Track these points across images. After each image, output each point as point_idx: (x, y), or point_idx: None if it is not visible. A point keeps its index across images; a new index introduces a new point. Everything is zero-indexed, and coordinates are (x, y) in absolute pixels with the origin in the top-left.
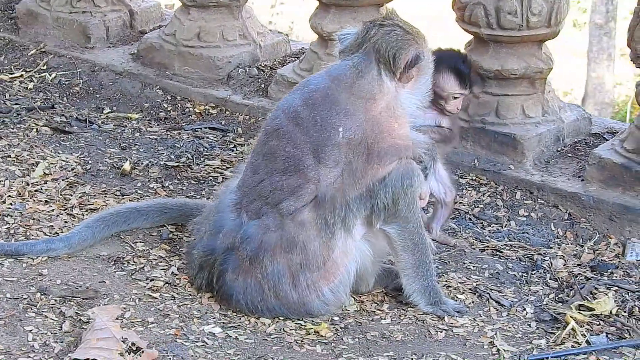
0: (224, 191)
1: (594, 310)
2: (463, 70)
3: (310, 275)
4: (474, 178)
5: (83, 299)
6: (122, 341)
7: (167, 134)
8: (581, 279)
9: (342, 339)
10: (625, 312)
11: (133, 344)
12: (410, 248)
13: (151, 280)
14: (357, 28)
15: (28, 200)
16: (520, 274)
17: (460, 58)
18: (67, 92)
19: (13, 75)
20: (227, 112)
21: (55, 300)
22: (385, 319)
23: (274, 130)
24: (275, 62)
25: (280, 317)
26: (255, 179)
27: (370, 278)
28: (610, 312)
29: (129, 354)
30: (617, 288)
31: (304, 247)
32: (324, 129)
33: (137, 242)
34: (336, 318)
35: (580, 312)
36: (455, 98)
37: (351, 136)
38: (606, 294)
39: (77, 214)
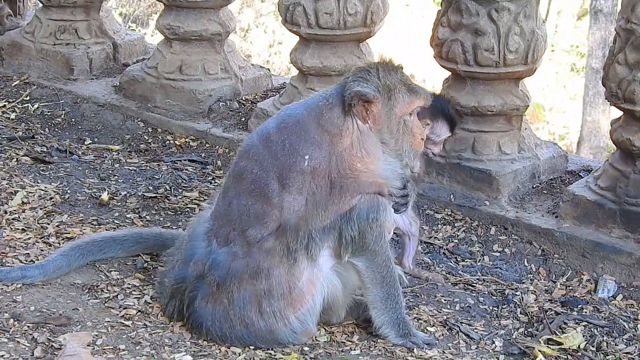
0: (198, 220)
1: (563, 344)
2: (454, 116)
3: (276, 303)
4: (449, 213)
5: (56, 325)
6: None
7: (147, 166)
8: (551, 314)
9: None
10: (593, 347)
11: None
12: (379, 281)
13: (124, 309)
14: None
15: (5, 228)
16: (491, 307)
17: (449, 103)
18: (49, 123)
19: None
20: (207, 145)
21: (28, 326)
22: (355, 350)
23: (245, 151)
24: (256, 96)
25: (251, 347)
26: (225, 201)
27: (341, 309)
28: (579, 347)
29: None
30: (586, 323)
31: (269, 274)
32: (291, 154)
33: (111, 270)
34: (306, 348)
35: (549, 346)
36: (443, 142)
37: (316, 165)
38: (575, 329)
39: (53, 242)
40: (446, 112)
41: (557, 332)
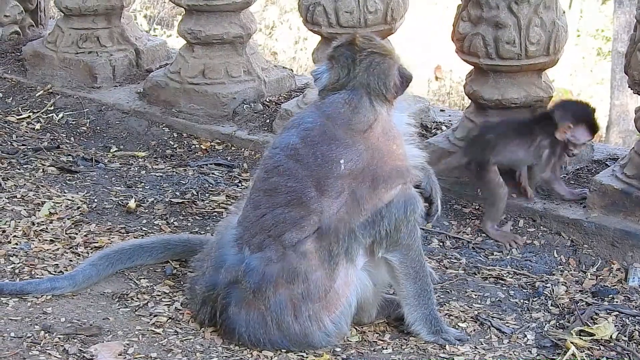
0: (225, 227)
1: (595, 335)
2: (595, 123)
3: (312, 306)
4: (477, 208)
5: (87, 336)
6: None
7: (173, 171)
8: (582, 305)
9: None
10: (625, 336)
11: None
12: (412, 276)
13: (154, 316)
14: (326, 63)
15: (33, 240)
16: (521, 301)
17: (591, 110)
18: (74, 132)
19: (20, 117)
20: (232, 148)
21: (59, 338)
22: (387, 349)
23: (274, 168)
24: (280, 97)
25: (283, 350)
26: (257, 213)
27: (372, 309)
28: (611, 337)
29: None
30: (617, 313)
31: (306, 277)
32: (325, 163)
33: (141, 278)
34: (338, 349)
35: (581, 337)
36: (581, 145)
37: (353, 167)
38: (606, 319)
39: (81, 252)
40: (588, 118)
41: (589, 323)
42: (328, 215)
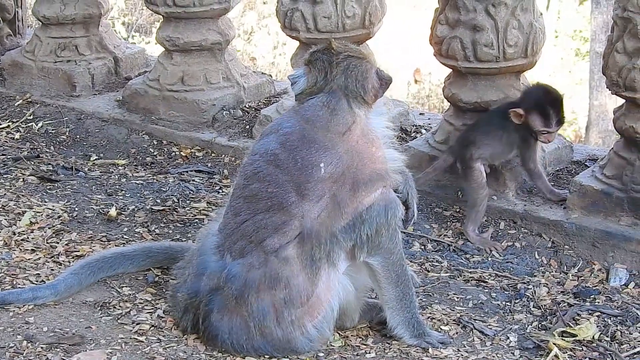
0: (206, 234)
1: (577, 336)
2: (547, 109)
3: (294, 312)
4: (457, 210)
5: (69, 345)
6: None
7: (153, 179)
8: (564, 306)
9: None
10: (607, 337)
11: None
12: (394, 280)
13: (137, 324)
14: (303, 68)
15: (14, 250)
16: (503, 303)
17: (547, 93)
18: (54, 141)
19: (0, 127)
20: (213, 155)
21: (42, 347)
22: (370, 353)
23: (254, 174)
24: (259, 103)
25: (266, 356)
26: (238, 220)
27: (355, 313)
28: (593, 338)
29: None
30: (599, 313)
31: (288, 283)
32: (305, 167)
33: (123, 286)
34: (321, 354)
35: (563, 338)
36: (543, 133)
37: (333, 170)
38: (588, 320)
39: (63, 261)
40: (541, 105)
41: (571, 324)
42: (309, 219)
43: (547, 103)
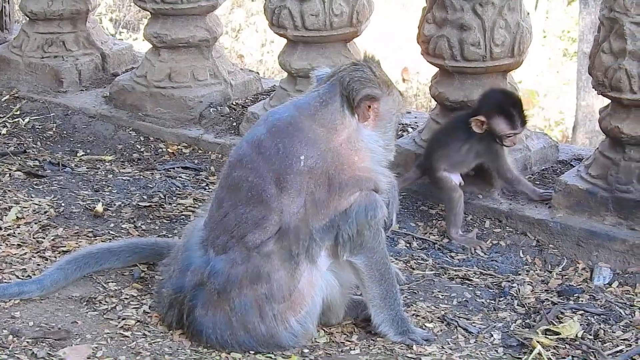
0: (191, 230)
1: (560, 334)
2: (511, 112)
3: (277, 307)
4: (443, 209)
5: (55, 339)
6: None
7: (140, 175)
8: (548, 304)
9: None
10: (590, 335)
11: None
12: (377, 279)
13: (123, 319)
14: (328, 67)
15: (1, 245)
16: (488, 301)
17: (505, 97)
18: (41, 137)
19: None
20: (199, 151)
21: (28, 342)
22: (354, 349)
23: (237, 161)
24: (246, 100)
25: (251, 352)
26: (221, 212)
27: (340, 310)
28: (576, 336)
29: None
30: (583, 312)
31: (269, 278)
32: (286, 157)
33: (109, 282)
34: (306, 350)
35: (547, 336)
36: (508, 137)
37: (312, 165)
38: (572, 318)
39: (49, 256)
40: (501, 106)
41: (555, 322)
42: (288, 214)
43: (508, 105)
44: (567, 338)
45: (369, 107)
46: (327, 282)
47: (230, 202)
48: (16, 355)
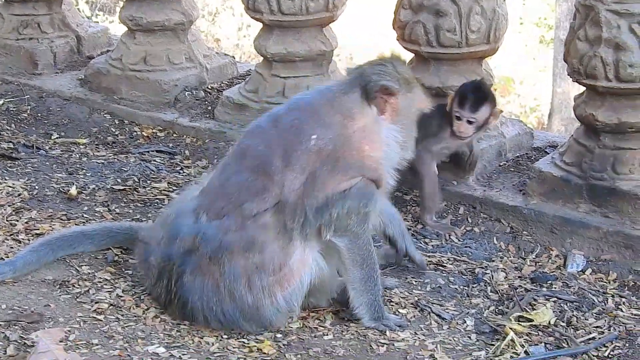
0: (181, 199)
1: (533, 321)
2: (467, 94)
3: (266, 279)
4: (417, 195)
5: (28, 322)
6: None
7: (114, 158)
8: (521, 291)
9: (284, 355)
10: (563, 322)
11: None
12: (359, 263)
13: (96, 303)
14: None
15: None
16: (461, 287)
17: (474, 85)
18: (15, 119)
19: None
20: (174, 135)
21: (0, 324)
22: (327, 335)
23: (251, 131)
24: (222, 84)
25: (232, 326)
26: (222, 178)
27: (330, 293)
28: (549, 323)
29: None
30: (556, 299)
31: (262, 248)
32: (298, 133)
33: (82, 265)
34: (279, 335)
35: (520, 323)
36: (457, 118)
37: (322, 146)
38: (545, 305)
39: (22, 239)
40: (463, 87)
41: (528, 309)
42: (288, 190)
43: (469, 89)
44: (540, 325)
45: (386, 101)
46: (317, 263)
47: (234, 168)
48: None
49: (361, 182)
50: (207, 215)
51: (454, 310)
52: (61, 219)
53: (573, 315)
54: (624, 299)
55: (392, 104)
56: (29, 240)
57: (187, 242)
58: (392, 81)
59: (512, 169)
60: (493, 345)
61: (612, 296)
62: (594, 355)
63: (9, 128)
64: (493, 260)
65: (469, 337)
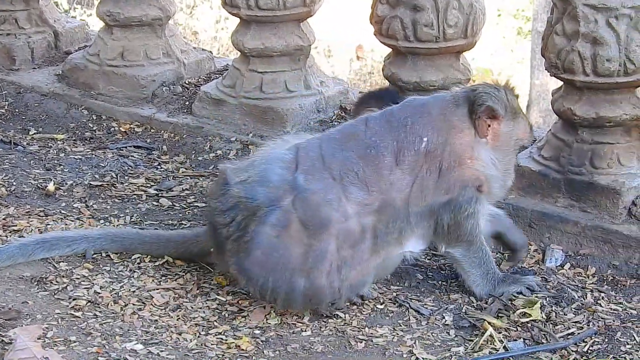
0: (273, 146)
1: (531, 316)
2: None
3: (347, 273)
4: None
5: (5, 319)
6: None
7: (92, 154)
8: None
9: (263, 352)
10: (542, 317)
11: None
12: (477, 263)
13: (74, 300)
14: None
15: None
16: (440, 282)
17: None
18: None
19: None
20: (152, 130)
21: None
22: (305, 331)
23: (363, 120)
24: (199, 79)
25: (202, 332)
26: (326, 149)
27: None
28: (532, 318)
29: None
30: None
31: (355, 244)
32: (411, 133)
33: (60, 261)
34: (257, 331)
35: (499, 318)
36: None
37: (431, 150)
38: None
39: (0, 235)
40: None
41: (508, 304)
42: (395, 189)
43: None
44: (518, 321)
45: (489, 125)
46: (376, 269)
47: (342, 145)
48: None
49: (465, 190)
50: (306, 177)
51: (433, 306)
52: (39, 215)
53: (552, 310)
54: (602, 294)
55: (494, 129)
56: (6, 236)
57: (277, 191)
58: (499, 105)
59: None
60: (472, 340)
61: (591, 291)
62: (573, 351)
63: None
64: None
65: (448, 333)
